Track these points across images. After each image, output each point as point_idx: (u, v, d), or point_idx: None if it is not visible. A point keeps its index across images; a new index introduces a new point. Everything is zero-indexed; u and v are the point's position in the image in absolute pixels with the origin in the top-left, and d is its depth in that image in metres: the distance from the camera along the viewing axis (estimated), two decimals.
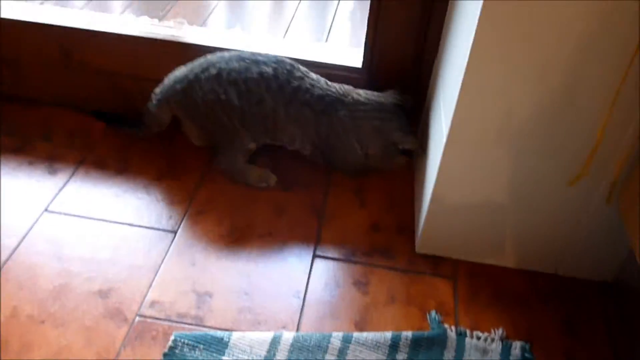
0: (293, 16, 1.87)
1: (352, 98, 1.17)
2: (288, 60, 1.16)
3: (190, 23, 1.38)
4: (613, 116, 0.86)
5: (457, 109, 0.90)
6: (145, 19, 1.36)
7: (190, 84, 1.14)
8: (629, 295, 1.00)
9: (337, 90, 1.17)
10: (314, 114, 1.15)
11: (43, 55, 1.31)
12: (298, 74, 1.16)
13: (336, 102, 1.16)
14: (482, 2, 0.79)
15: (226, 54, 1.16)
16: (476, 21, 0.81)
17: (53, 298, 0.96)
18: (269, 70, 1.13)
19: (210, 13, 1.84)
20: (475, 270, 1.07)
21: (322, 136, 1.18)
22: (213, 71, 1.13)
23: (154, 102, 1.19)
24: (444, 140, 0.94)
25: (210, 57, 1.16)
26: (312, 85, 1.16)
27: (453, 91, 0.92)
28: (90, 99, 1.35)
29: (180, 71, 1.18)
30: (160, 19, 1.74)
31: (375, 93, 1.20)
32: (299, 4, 1.95)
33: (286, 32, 1.78)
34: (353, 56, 1.27)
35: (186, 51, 1.27)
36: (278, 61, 1.15)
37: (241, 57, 1.15)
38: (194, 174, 1.22)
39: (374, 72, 1.24)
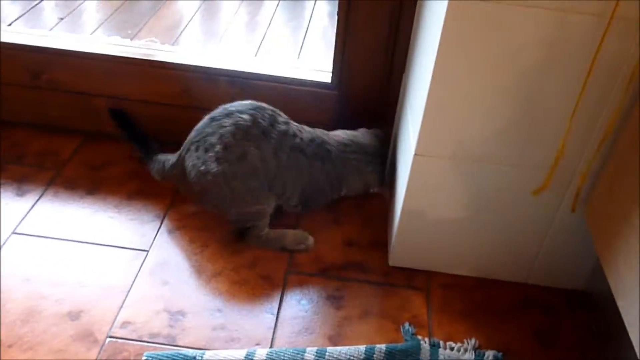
0: (265, 34, 1.88)
1: (336, 140, 1.18)
2: (267, 106, 1.10)
3: (162, 42, 1.39)
4: (574, 128, 0.88)
5: (423, 123, 0.91)
6: (116, 38, 1.36)
7: (180, 166, 1.11)
8: (600, 302, 1.02)
9: (321, 133, 1.16)
10: (307, 159, 1.12)
11: (12, 76, 1.30)
12: (281, 118, 1.10)
13: (325, 143, 1.15)
14: (443, 19, 0.81)
15: (199, 123, 1.10)
16: (439, 35, 0.83)
17: (22, 321, 0.94)
18: (245, 117, 1.06)
19: (182, 31, 1.84)
20: (448, 281, 1.08)
21: (314, 181, 1.14)
22: (193, 148, 1.08)
23: (156, 177, 1.19)
24: (412, 153, 0.95)
25: (189, 135, 1.11)
26: (299, 130, 1.12)
27: (420, 105, 0.93)
28: (61, 119, 1.34)
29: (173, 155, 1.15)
30: (132, 38, 1.74)
31: (353, 132, 1.22)
32: (271, 21, 1.97)
33: (258, 49, 1.79)
34: (324, 73, 1.28)
35: (158, 70, 1.27)
36: (255, 107, 1.08)
37: (213, 118, 1.08)
38: (166, 193, 1.22)
39: (344, 88, 1.26)
